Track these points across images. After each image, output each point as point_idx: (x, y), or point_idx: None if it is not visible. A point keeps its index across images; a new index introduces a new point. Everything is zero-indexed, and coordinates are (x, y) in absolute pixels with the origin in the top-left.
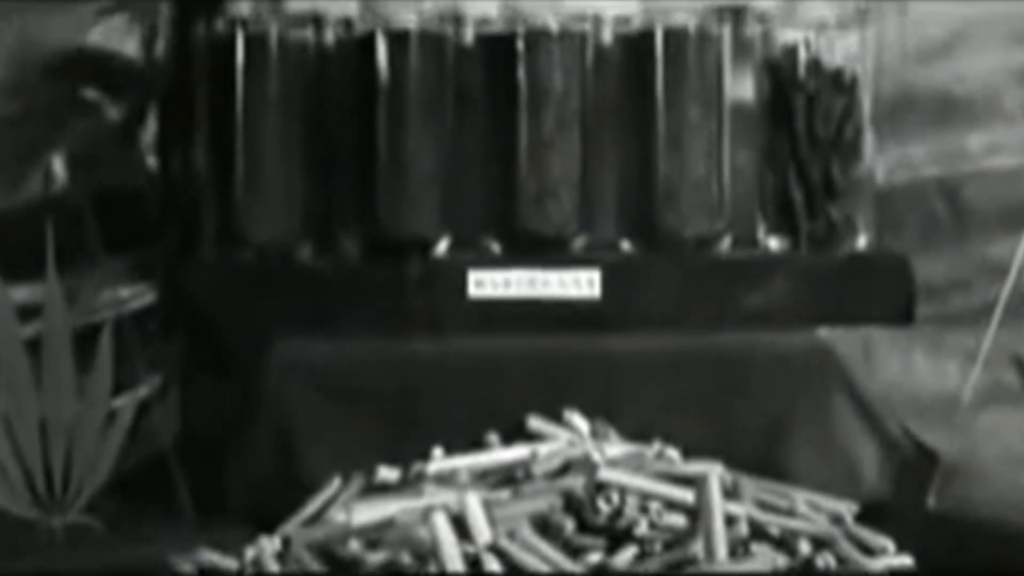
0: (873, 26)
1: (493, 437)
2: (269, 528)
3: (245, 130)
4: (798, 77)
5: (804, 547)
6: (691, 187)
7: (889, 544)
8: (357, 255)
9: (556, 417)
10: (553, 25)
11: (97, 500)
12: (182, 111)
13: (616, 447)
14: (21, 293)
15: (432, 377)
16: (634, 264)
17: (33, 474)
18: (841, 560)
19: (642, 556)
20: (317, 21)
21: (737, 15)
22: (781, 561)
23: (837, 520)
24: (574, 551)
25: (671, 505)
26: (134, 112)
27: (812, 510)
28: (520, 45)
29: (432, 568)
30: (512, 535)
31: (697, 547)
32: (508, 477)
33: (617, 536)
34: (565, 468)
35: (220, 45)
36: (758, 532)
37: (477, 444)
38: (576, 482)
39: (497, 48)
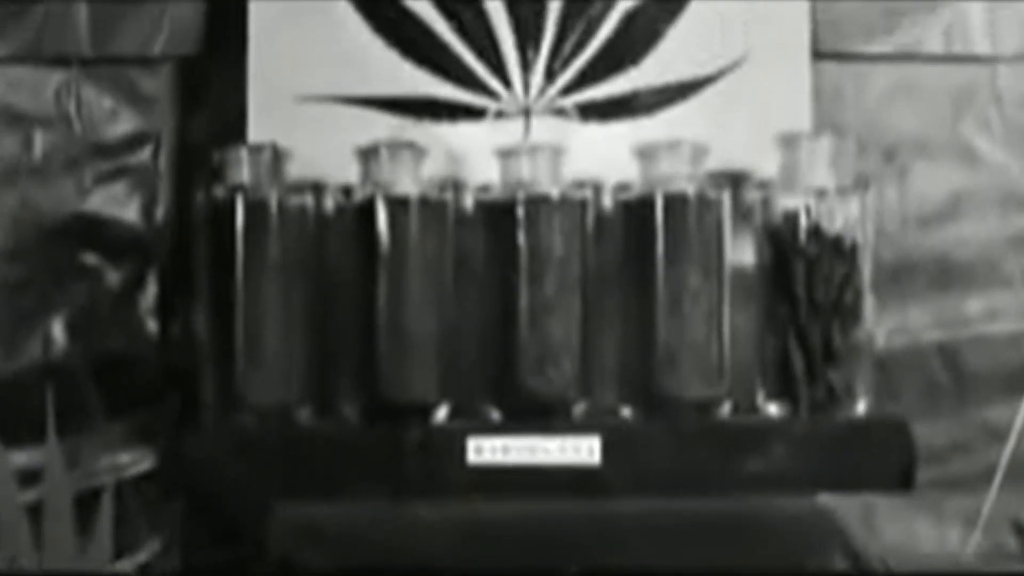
0: (873, 192)
1: None
2: None
3: (245, 295)
4: (798, 243)
5: None
6: (691, 352)
7: None
8: (357, 420)
9: None
10: (553, 192)
11: None
12: (182, 276)
13: None
14: (21, 458)
15: (432, 543)
16: (634, 431)
17: None
18: None
19: None
20: (317, 188)
21: (737, 181)
22: None
23: None
24: None
25: None
26: (133, 277)
27: None
28: (520, 211)
29: None
30: None
31: None
32: None
33: None
34: None
35: (220, 211)
36: None
37: None
38: None
39: (497, 214)
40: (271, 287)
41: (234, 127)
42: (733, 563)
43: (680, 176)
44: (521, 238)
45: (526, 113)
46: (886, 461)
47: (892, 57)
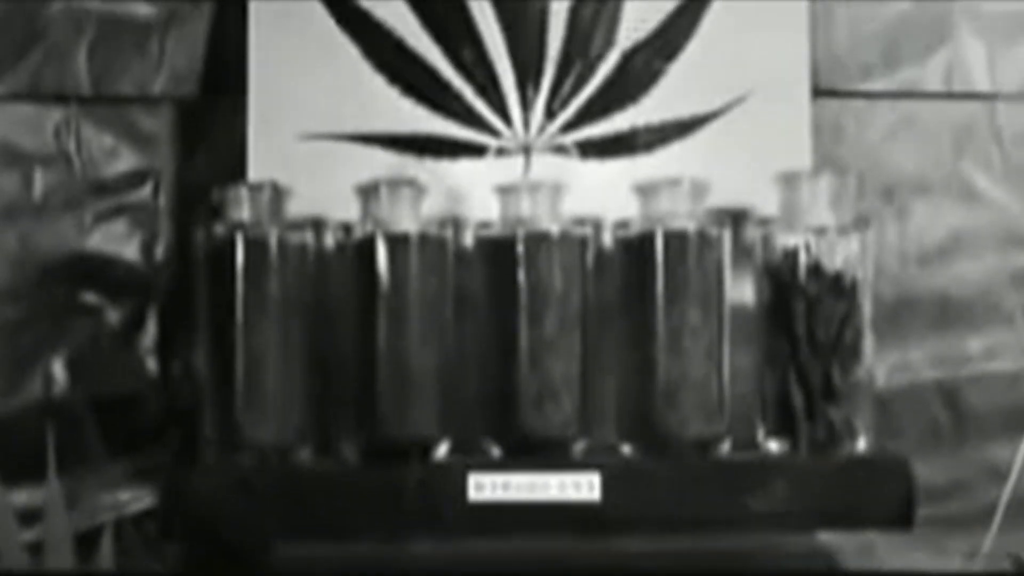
0: (873, 230)
1: None
2: None
3: (245, 333)
4: (798, 281)
5: None
6: (691, 390)
7: None
8: (357, 458)
9: None
10: (553, 229)
11: None
12: (182, 314)
13: None
14: (22, 497)
15: None
16: (634, 467)
17: None
18: None
19: None
20: (317, 225)
21: (737, 219)
22: None
23: None
24: None
25: None
26: (134, 316)
27: None
28: (520, 248)
29: None
30: None
31: None
32: None
33: None
34: None
35: (220, 249)
36: None
37: None
38: None
39: (497, 251)
40: (271, 325)
41: (234, 165)
42: None
43: (680, 213)
44: (521, 275)
45: (526, 150)
46: (886, 499)
47: (892, 94)
